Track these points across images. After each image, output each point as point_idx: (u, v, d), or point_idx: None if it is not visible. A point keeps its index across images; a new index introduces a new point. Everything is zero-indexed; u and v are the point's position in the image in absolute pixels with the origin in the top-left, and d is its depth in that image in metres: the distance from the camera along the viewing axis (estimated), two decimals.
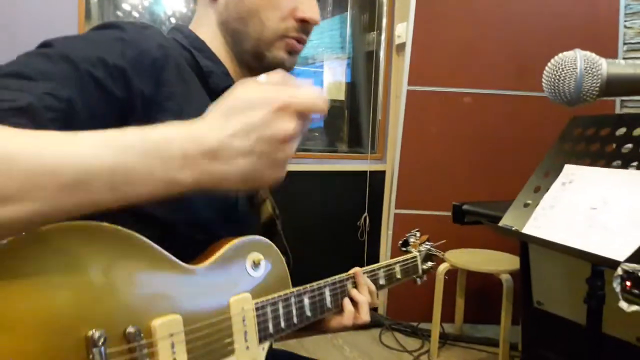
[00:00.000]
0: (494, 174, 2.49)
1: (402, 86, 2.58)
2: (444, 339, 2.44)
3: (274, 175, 0.50)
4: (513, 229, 1.19)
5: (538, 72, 2.67)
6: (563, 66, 0.49)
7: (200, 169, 0.45)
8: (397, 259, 1.07)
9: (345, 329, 0.87)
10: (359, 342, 2.47)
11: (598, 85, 0.48)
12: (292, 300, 0.76)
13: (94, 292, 0.50)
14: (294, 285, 0.80)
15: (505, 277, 2.12)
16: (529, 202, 1.21)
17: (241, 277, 0.70)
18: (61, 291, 0.48)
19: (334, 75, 3.00)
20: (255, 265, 0.72)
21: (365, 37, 2.91)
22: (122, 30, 0.62)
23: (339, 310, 0.86)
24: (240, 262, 0.70)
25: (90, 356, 0.48)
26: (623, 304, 0.69)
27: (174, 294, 0.59)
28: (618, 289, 0.69)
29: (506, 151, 2.48)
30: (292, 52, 0.75)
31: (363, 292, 0.89)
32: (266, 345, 0.72)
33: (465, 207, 1.82)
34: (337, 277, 0.87)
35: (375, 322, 2.63)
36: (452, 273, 2.34)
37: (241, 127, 0.46)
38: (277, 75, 0.51)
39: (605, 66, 0.48)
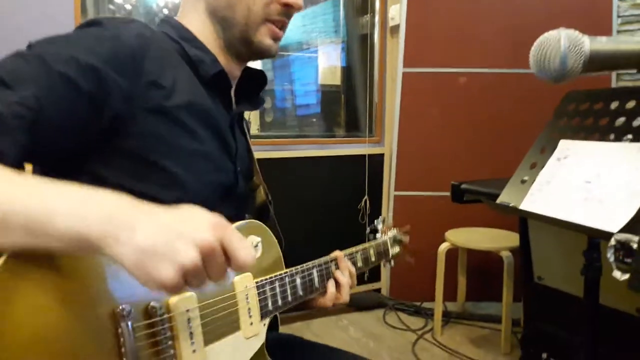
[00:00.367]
0: (492, 153, 2.51)
1: (397, 68, 2.58)
2: (447, 317, 2.48)
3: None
4: (510, 205, 1.21)
5: (530, 49, 2.66)
6: (548, 45, 0.51)
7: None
8: (370, 242, 1.13)
9: (326, 308, 0.94)
10: (364, 323, 2.51)
11: (581, 61, 0.49)
12: (287, 280, 0.82)
13: (119, 272, 0.53)
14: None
15: (505, 254, 2.15)
16: (526, 178, 1.23)
17: None
18: (91, 271, 0.52)
19: (328, 60, 2.99)
20: (254, 247, 0.77)
21: (359, 20, 2.90)
22: (101, 26, 0.64)
23: (324, 291, 0.92)
24: None
25: (119, 330, 0.52)
26: (617, 273, 0.71)
27: None
28: (612, 259, 0.71)
29: (503, 129, 2.49)
30: (276, 38, 0.78)
31: (345, 274, 0.95)
32: (267, 321, 0.77)
33: (463, 186, 1.83)
34: (322, 260, 0.93)
35: (379, 303, 2.67)
36: (453, 252, 2.37)
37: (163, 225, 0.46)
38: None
39: (587, 43, 0.49)
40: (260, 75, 0.88)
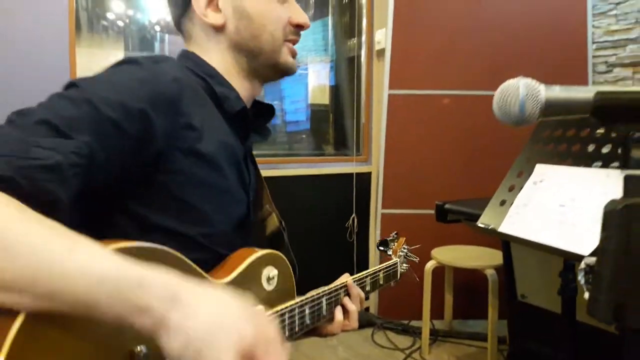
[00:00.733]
0: (475, 171, 2.57)
1: (383, 90, 2.65)
2: (435, 335, 2.51)
3: None
4: (490, 227, 1.26)
5: (513, 72, 2.74)
6: (508, 93, 0.55)
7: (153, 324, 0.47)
8: (380, 266, 1.12)
9: (332, 335, 0.93)
10: (352, 342, 2.53)
11: (538, 108, 0.54)
12: (296, 310, 0.81)
13: None
14: None
15: (490, 272, 2.18)
16: (504, 200, 1.28)
17: (256, 291, 0.75)
18: None
19: (318, 78, 3.06)
20: (270, 279, 0.78)
21: (347, 43, 2.98)
22: (140, 67, 0.67)
23: (331, 318, 0.91)
24: (257, 277, 0.76)
25: None
26: (587, 295, 0.74)
27: None
28: (582, 281, 0.74)
29: (486, 149, 2.56)
30: (294, 55, 0.84)
31: (355, 302, 0.95)
32: None
33: (447, 206, 1.88)
34: (332, 287, 0.92)
35: (367, 322, 2.69)
36: (439, 270, 2.41)
37: (212, 325, 0.47)
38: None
39: (543, 92, 0.54)
40: (268, 107, 0.92)
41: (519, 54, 2.58)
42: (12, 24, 1.94)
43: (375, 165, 2.79)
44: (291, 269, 0.84)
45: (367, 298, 1.06)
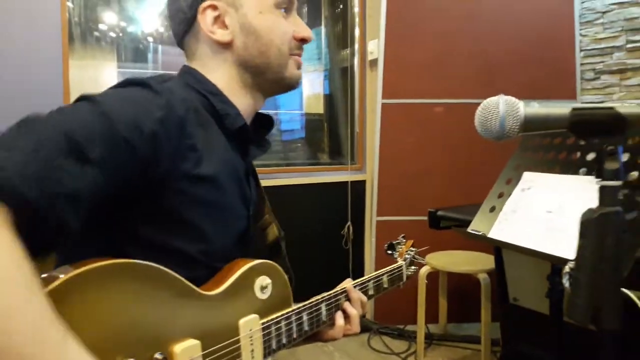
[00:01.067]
0: (468, 178, 2.61)
1: (376, 99, 2.70)
2: (430, 339, 2.54)
3: None
4: (480, 233, 1.30)
5: (504, 81, 2.81)
6: (489, 109, 0.59)
7: None
8: (384, 269, 1.13)
9: (334, 339, 0.94)
10: (349, 348, 2.55)
11: (517, 124, 0.58)
12: (293, 317, 0.83)
13: (125, 323, 0.57)
14: None
15: (482, 277, 2.22)
16: (494, 207, 1.33)
17: (250, 300, 0.77)
18: (94, 323, 0.55)
19: (312, 87, 3.10)
20: (263, 288, 0.79)
21: (340, 53, 3.02)
22: (149, 88, 0.67)
23: (332, 323, 0.93)
24: (250, 286, 0.77)
25: None
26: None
27: (192, 320, 0.65)
28: (567, 284, 0.77)
29: (478, 156, 2.60)
30: (299, 67, 0.85)
31: (356, 306, 0.96)
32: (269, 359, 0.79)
33: (439, 213, 1.93)
34: (332, 293, 0.93)
35: (363, 327, 2.72)
36: (434, 275, 2.45)
37: None
38: None
39: (522, 108, 0.58)
40: (268, 119, 0.92)
41: (509, 62, 2.64)
42: (5, 37, 1.96)
43: (370, 173, 2.83)
44: (286, 278, 0.85)
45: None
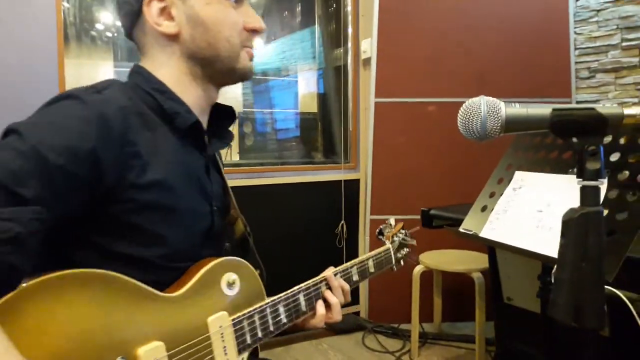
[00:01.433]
0: (461, 177, 2.61)
1: (369, 98, 2.70)
2: (424, 338, 2.54)
3: None
4: (471, 232, 1.30)
5: (497, 79, 2.80)
6: (471, 110, 0.59)
7: None
8: (369, 254, 1.12)
9: (316, 328, 0.95)
10: (343, 346, 2.55)
11: (499, 124, 0.58)
12: (268, 310, 0.83)
13: (82, 332, 0.57)
14: (276, 294, 0.87)
15: (476, 276, 2.22)
16: (486, 206, 1.33)
17: (217, 298, 0.76)
18: (54, 334, 0.55)
19: (307, 86, 3.10)
20: (230, 284, 0.79)
21: (334, 52, 3.02)
22: (81, 103, 0.65)
23: (314, 312, 0.93)
24: (216, 284, 0.77)
25: None
26: None
27: (154, 322, 0.66)
28: None
29: (472, 155, 2.60)
30: (251, 59, 0.84)
31: (337, 294, 0.96)
32: (245, 354, 0.79)
33: (432, 212, 1.92)
34: (310, 282, 0.93)
35: (358, 325, 2.72)
36: (428, 274, 2.45)
37: None
38: None
39: (503, 109, 0.58)
40: (229, 110, 0.89)
41: (503, 61, 2.64)
42: (0, 37, 1.96)
43: (364, 172, 2.83)
44: (255, 272, 0.84)
45: (356, 287, 1.03)
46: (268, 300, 0.84)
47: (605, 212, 1.02)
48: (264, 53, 3.00)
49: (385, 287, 2.72)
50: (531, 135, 1.37)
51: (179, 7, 0.76)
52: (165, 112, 0.76)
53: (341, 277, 1.00)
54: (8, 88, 1.95)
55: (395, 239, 1.24)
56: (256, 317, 0.80)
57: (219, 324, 0.74)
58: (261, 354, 0.93)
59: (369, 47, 2.71)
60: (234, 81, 0.85)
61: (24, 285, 0.53)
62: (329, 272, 0.98)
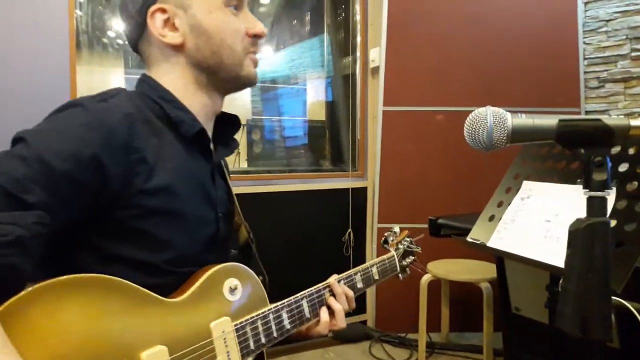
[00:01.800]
0: (469, 186, 2.61)
1: (378, 107, 2.71)
2: (431, 348, 2.52)
3: None
4: (479, 242, 1.29)
5: (505, 89, 2.80)
6: (477, 120, 0.59)
7: None
8: (373, 261, 1.12)
9: (321, 336, 0.94)
10: (350, 355, 2.54)
11: (505, 135, 0.58)
12: (271, 316, 0.83)
13: (88, 336, 0.58)
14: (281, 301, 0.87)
15: (484, 285, 2.21)
16: (493, 216, 1.32)
17: (220, 303, 0.77)
18: (55, 340, 0.56)
19: (316, 94, 3.11)
20: (233, 290, 0.79)
21: (342, 61, 3.04)
22: (86, 110, 0.66)
23: (318, 319, 0.93)
24: (218, 289, 0.77)
25: None
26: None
27: (158, 327, 0.66)
28: None
29: (479, 164, 2.60)
30: (256, 65, 0.85)
31: (340, 300, 0.95)
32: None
33: (440, 221, 1.92)
34: (314, 288, 0.93)
35: (364, 335, 2.71)
36: (436, 283, 2.44)
37: None
38: None
39: (510, 119, 0.58)
40: (234, 118, 0.91)
41: (512, 70, 2.64)
42: (13, 45, 1.99)
43: (371, 180, 2.83)
44: (257, 278, 0.85)
45: (362, 295, 1.03)
46: (271, 306, 0.85)
47: (614, 223, 1.01)
48: (273, 61, 3.03)
49: (392, 296, 2.71)
50: (538, 145, 1.37)
51: (181, 17, 0.78)
52: (171, 120, 0.77)
53: (345, 283, 1.00)
54: (20, 95, 1.98)
55: (400, 246, 1.24)
56: (259, 323, 0.81)
57: (222, 329, 0.75)
58: None
59: (377, 56, 2.73)
60: (238, 88, 0.86)
61: (27, 290, 0.54)
62: (333, 279, 0.98)
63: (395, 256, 1.20)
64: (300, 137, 3.10)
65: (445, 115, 2.66)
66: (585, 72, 2.67)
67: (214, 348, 0.73)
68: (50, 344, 0.55)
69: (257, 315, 0.81)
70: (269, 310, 0.83)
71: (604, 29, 2.64)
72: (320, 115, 3.10)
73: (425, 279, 2.36)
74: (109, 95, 0.72)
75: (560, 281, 0.67)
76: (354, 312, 0.98)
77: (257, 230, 0.98)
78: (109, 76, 2.40)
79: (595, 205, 0.60)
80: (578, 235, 0.60)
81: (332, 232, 2.76)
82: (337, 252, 2.77)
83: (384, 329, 2.74)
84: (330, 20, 3.03)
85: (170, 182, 0.72)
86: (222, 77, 0.81)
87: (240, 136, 2.82)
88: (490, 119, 0.58)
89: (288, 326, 0.86)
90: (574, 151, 0.60)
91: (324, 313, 0.93)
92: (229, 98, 0.89)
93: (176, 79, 0.80)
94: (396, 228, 1.31)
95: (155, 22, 0.77)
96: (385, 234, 1.27)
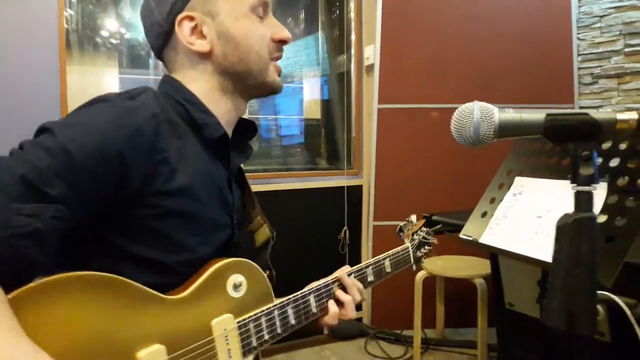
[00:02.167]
0: (464, 183, 2.61)
1: (372, 104, 2.71)
2: (427, 344, 2.53)
3: None
4: (472, 238, 1.29)
5: (500, 85, 2.80)
6: (464, 116, 0.59)
7: None
8: (386, 253, 1.08)
9: (329, 326, 0.93)
10: (346, 353, 2.55)
11: (492, 130, 0.58)
12: (275, 312, 0.81)
13: (84, 333, 0.58)
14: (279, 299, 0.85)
15: (479, 282, 2.22)
16: (486, 212, 1.33)
17: (223, 300, 0.76)
18: (56, 335, 0.56)
19: (312, 93, 3.11)
20: (237, 286, 0.77)
21: (337, 59, 3.04)
22: (114, 107, 0.67)
23: (325, 313, 0.91)
24: (222, 285, 0.76)
25: None
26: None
27: (156, 325, 0.65)
28: None
29: (475, 160, 2.60)
30: (279, 73, 0.85)
31: (352, 292, 0.94)
32: (251, 357, 0.78)
33: (434, 217, 1.92)
34: (322, 282, 0.91)
35: (360, 332, 2.71)
36: (430, 280, 2.44)
37: None
38: None
39: (497, 114, 0.58)
40: (251, 124, 0.91)
41: (506, 67, 2.64)
42: (1, 44, 1.97)
43: (367, 178, 2.83)
44: (264, 274, 0.83)
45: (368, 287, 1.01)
46: (276, 301, 0.83)
47: (605, 217, 1.02)
48: None
49: (387, 293, 2.72)
50: (530, 141, 1.37)
51: (209, 24, 0.78)
52: (195, 122, 0.77)
53: (355, 277, 0.98)
54: (9, 94, 1.97)
55: (416, 237, 1.21)
56: (263, 320, 0.79)
57: (224, 326, 0.73)
58: None
59: (372, 53, 2.73)
60: (264, 94, 0.86)
61: (28, 285, 0.55)
62: (343, 272, 0.96)
63: (410, 248, 1.17)
64: (297, 136, 3.10)
65: (440, 112, 2.67)
66: (579, 68, 2.68)
67: (215, 346, 0.72)
68: (44, 341, 0.54)
69: (261, 312, 0.79)
70: (274, 306, 0.82)
71: (597, 25, 2.64)
72: (316, 113, 3.10)
73: (420, 275, 2.37)
74: (136, 93, 0.73)
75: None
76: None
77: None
78: (102, 76, 2.38)
79: (582, 200, 0.60)
80: (565, 230, 0.60)
81: (327, 230, 2.76)
82: (333, 250, 2.77)
83: (379, 326, 2.75)
84: (325, 18, 3.03)
85: (190, 185, 0.71)
86: (249, 84, 0.82)
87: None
88: (477, 113, 0.58)
89: (293, 322, 0.84)
90: (562, 146, 0.60)
91: (332, 305, 0.92)
92: None
93: (202, 85, 0.80)
94: (413, 217, 1.28)
95: (183, 30, 0.77)
96: (401, 224, 1.24)
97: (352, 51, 2.90)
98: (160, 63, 0.86)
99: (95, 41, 2.33)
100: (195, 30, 0.78)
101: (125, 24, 2.45)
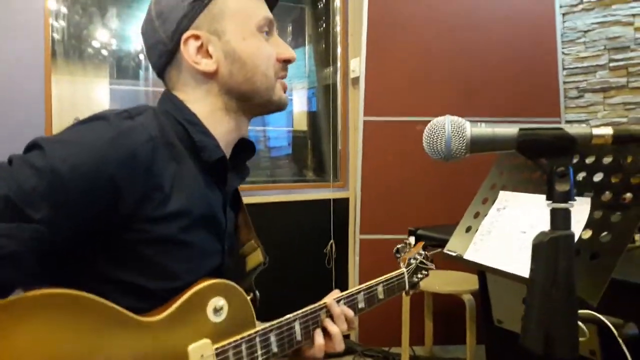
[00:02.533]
0: (450, 196, 2.59)
1: (358, 117, 2.69)
2: None
3: None
4: (456, 254, 1.27)
5: (485, 98, 2.80)
6: (435, 129, 0.57)
7: None
8: (379, 279, 1.03)
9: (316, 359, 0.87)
10: None
11: (464, 144, 0.56)
12: (257, 339, 0.76)
13: (51, 357, 0.55)
14: (262, 316, 0.81)
15: (467, 298, 2.18)
16: (470, 227, 1.30)
17: (201, 324, 0.71)
18: (20, 356, 0.53)
19: (300, 105, 3.10)
20: (217, 310, 0.73)
21: (324, 71, 3.04)
22: (111, 126, 0.64)
23: (311, 342, 0.86)
24: (201, 309, 0.72)
25: None
26: None
27: (128, 350, 0.62)
28: None
29: (461, 173, 2.59)
30: (285, 90, 0.84)
31: (338, 322, 0.88)
32: None
33: (419, 232, 1.90)
34: (308, 309, 0.86)
35: (348, 349, 2.66)
36: (419, 296, 2.40)
37: None
38: None
39: (469, 129, 0.56)
40: (249, 144, 0.88)
41: (491, 80, 2.64)
42: None
43: (353, 191, 2.81)
44: (246, 297, 0.79)
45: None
46: (258, 328, 0.79)
47: (590, 233, 0.99)
48: None
49: (375, 310, 2.66)
50: (513, 155, 1.35)
51: (215, 44, 0.76)
52: (194, 144, 0.74)
53: (345, 303, 0.92)
54: None
55: (412, 261, 1.17)
56: (243, 347, 0.74)
57: (201, 352, 0.69)
58: None
59: (357, 66, 2.73)
60: (269, 112, 0.85)
61: None
62: (332, 298, 0.91)
63: (405, 273, 1.12)
64: (285, 148, 3.08)
65: (425, 125, 2.64)
66: (565, 82, 2.69)
67: None
68: None
69: (241, 338, 0.74)
70: (255, 333, 0.76)
71: (582, 40, 2.66)
72: (303, 125, 3.09)
73: None
74: (136, 112, 0.70)
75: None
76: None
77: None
78: (92, 86, 2.35)
79: (558, 218, 0.58)
80: (541, 249, 0.57)
81: (313, 244, 2.72)
82: (320, 264, 2.73)
83: (367, 344, 2.70)
84: (312, 31, 3.03)
85: (182, 212, 0.69)
86: (255, 103, 0.80)
87: None
88: (448, 127, 0.56)
89: (276, 349, 0.79)
90: (536, 161, 0.58)
91: (318, 336, 0.86)
92: None
93: (204, 105, 0.78)
94: (411, 239, 1.24)
95: (189, 49, 0.75)
96: (399, 245, 1.20)
97: (339, 64, 2.90)
98: (152, 75, 0.84)
99: (86, 52, 2.31)
100: (201, 49, 0.76)
101: (116, 35, 2.43)
